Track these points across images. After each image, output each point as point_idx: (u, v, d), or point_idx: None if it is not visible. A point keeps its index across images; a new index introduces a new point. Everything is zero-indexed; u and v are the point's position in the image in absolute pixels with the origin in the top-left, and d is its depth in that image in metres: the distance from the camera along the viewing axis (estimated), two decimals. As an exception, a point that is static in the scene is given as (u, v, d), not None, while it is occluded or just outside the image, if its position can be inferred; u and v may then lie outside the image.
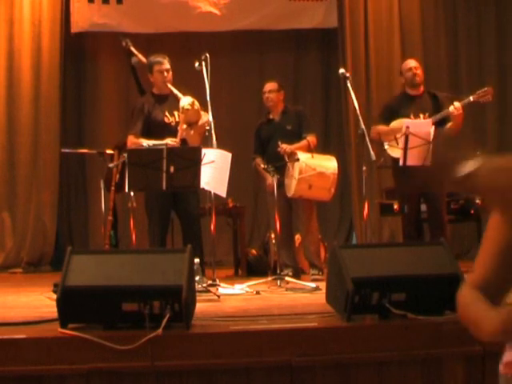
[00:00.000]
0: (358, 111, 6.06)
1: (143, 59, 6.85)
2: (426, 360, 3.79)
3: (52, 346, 3.66)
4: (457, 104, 6.07)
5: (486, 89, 6.21)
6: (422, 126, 6.05)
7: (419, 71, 6.42)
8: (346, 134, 8.65)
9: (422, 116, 6.23)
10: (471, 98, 6.15)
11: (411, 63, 6.50)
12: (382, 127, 6.34)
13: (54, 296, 3.96)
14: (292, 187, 6.20)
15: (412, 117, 6.22)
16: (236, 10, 8.58)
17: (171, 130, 5.99)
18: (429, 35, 8.81)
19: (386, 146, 6.16)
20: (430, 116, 6.19)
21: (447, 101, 6.27)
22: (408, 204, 6.25)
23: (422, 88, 6.43)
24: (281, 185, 6.31)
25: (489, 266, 1.65)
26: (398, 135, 6.02)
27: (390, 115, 6.31)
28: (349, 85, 6.29)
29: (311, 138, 6.53)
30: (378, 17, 8.68)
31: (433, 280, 3.96)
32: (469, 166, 1.61)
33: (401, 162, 6.04)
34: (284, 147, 6.34)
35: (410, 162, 5.97)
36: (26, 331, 3.81)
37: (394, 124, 6.21)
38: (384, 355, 3.77)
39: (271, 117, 6.73)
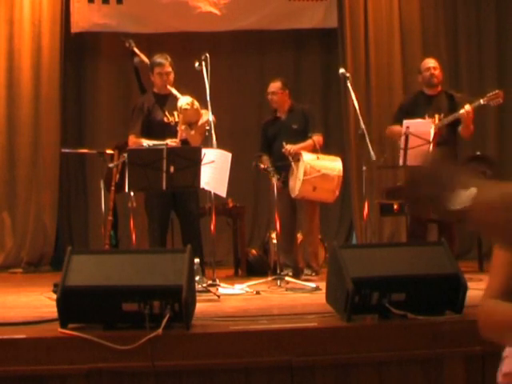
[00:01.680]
0: (358, 111, 6.06)
1: (146, 60, 6.85)
2: (425, 360, 3.79)
3: (52, 346, 3.66)
4: (467, 107, 6.05)
5: (496, 91, 6.17)
6: (422, 125, 6.05)
7: (437, 71, 6.39)
8: (346, 134, 8.65)
9: (437, 116, 6.17)
10: (481, 101, 6.11)
11: (430, 63, 6.45)
12: (395, 127, 6.33)
13: (54, 296, 3.96)
14: (296, 188, 6.19)
15: (427, 117, 6.20)
16: (236, 10, 8.57)
17: (171, 130, 5.99)
18: (429, 35, 8.80)
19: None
20: (445, 116, 6.16)
21: (463, 102, 6.24)
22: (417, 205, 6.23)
23: (439, 87, 6.41)
24: (285, 185, 6.31)
25: (502, 277, 1.68)
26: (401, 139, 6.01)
27: (404, 116, 6.27)
28: (349, 85, 6.29)
29: (317, 138, 6.49)
30: (378, 17, 8.68)
31: (433, 280, 3.96)
32: (460, 200, 1.37)
33: (401, 162, 6.04)
34: (288, 148, 6.32)
35: (410, 162, 5.98)
36: (26, 331, 3.81)
37: None
38: (384, 355, 3.77)
39: (278, 115, 6.70)
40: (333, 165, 6.27)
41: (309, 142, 6.44)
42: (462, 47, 8.87)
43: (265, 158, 6.61)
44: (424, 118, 6.18)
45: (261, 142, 6.78)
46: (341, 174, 6.26)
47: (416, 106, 6.32)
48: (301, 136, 6.46)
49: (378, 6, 8.68)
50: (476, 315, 1.72)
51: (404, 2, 8.74)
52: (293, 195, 6.28)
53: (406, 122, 6.03)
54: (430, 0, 8.84)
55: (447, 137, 6.17)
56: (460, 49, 8.88)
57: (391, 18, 8.71)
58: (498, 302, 1.67)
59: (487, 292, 1.73)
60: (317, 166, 6.17)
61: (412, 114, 6.21)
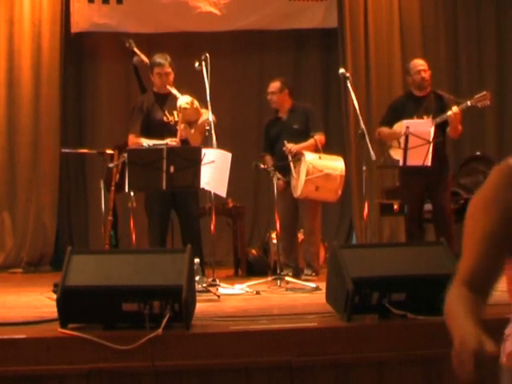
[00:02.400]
0: (358, 111, 6.06)
1: (145, 59, 6.84)
2: (426, 360, 3.79)
3: (52, 346, 3.66)
4: (455, 109, 6.05)
5: (484, 93, 6.16)
6: (421, 125, 6.04)
7: (427, 74, 6.36)
8: (346, 133, 8.65)
9: (425, 118, 6.18)
10: (469, 103, 6.09)
11: (420, 65, 6.38)
12: (384, 130, 6.33)
13: (54, 296, 3.96)
14: (299, 188, 6.18)
15: (415, 118, 6.19)
16: (236, 10, 8.57)
17: (171, 130, 5.98)
18: (429, 35, 8.80)
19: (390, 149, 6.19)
20: (433, 118, 6.15)
21: (452, 103, 6.23)
22: (411, 203, 6.26)
23: (428, 88, 6.39)
24: (288, 184, 6.30)
25: (477, 255, 1.64)
26: (400, 139, 6.01)
27: (393, 117, 6.27)
28: (349, 85, 6.28)
29: (319, 137, 6.47)
30: (378, 17, 8.68)
31: (433, 280, 3.96)
32: None
33: (401, 162, 6.04)
34: (289, 147, 6.31)
35: (410, 162, 5.98)
36: (26, 331, 3.81)
37: (397, 127, 6.18)
38: (384, 355, 3.77)
39: (279, 115, 6.69)
40: (335, 164, 6.26)
41: (311, 141, 6.43)
42: (462, 47, 8.87)
43: (268, 158, 6.61)
44: (413, 119, 6.18)
45: (263, 142, 6.78)
46: (343, 173, 6.25)
47: (405, 108, 6.30)
48: (302, 136, 6.45)
49: (378, 5, 8.69)
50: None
51: (404, 2, 8.75)
52: (295, 195, 6.27)
53: (405, 122, 6.03)
54: (429, 0, 8.85)
55: (437, 138, 6.14)
56: (460, 49, 8.88)
57: (391, 18, 8.71)
58: (460, 297, 1.61)
59: (459, 272, 1.66)
60: (319, 166, 6.16)
61: (401, 116, 6.20)
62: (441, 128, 6.17)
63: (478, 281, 1.62)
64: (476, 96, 6.15)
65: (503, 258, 1.64)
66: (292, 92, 6.76)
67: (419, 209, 6.35)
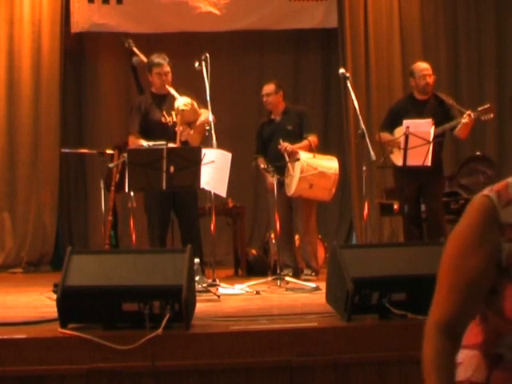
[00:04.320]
0: (358, 111, 6.06)
1: (144, 59, 6.85)
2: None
3: (52, 346, 3.67)
4: (466, 118, 5.99)
5: (487, 106, 6.14)
6: (422, 126, 6.03)
7: (432, 79, 6.34)
8: (346, 134, 8.65)
9: None
10: (472, 115, 6.06)
11: (425, 70, 6.34)
12: (385, 136, 6.30)
13: (54, 296, 3.97)
14: (293, 186, 6.20)
15: None
16: (236, 10, 8.57)
17: (169, 130, 5.98)
18: (429, 35, 8.80)
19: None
20: (436, 122, 6.09)
21: (454, 108, 6.23)
22: (408, 204, 6.26)
23: (431, 93, 6.37)
24: (281, 185, 6.31)
25: (460, 301, 1.59)
26: (400, 139, 5.99)
27: (394, 121, 6.25)
28: (349, 85, 6.28)
29: (312, 138, 6.52)
30: (378, 17, 8.68)
31: (433, 280, 3.93)
32: None
33: (401, 163, 6.03)
34: (285, 145, 6.34)
35: (410, 163, 5.97)
36: (26, 331, 3.82)
37: (398, 134, 6.15)
38: (384, 355, 3.77)
39: (273, 117, 6.73)
40: (329, 163, 6.29)
41: (304, 142, 6.47)
42: (462, 48, 8.87)
43: (261, 159, 6.64)
44: None
45: (256, 145, 6.81)
46: (337, 172, 6.27)
47: (406, 112, 6.27)
48: (295, 137, 6.49)
49: (378, 5, 8.69)
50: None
51: (404, 2, 8.75)
52: (289, 194, 6.28)
53: (405, 122, 6.02)
54: (429, 0, 8.85)
55: (436, 138, 6.11)
56: (460, 49, 8.88)
57: (391, 18, 8.71)
58: (439, 358, 1.55)
59: (438, 316, 1.60)
60: (314, 164, 6.19)
61: (402, 119, 6.16)
62: (442, 135, 6.18)
63: (459, 327, 1.59)
64: (479, 108, 6.15)
65: (481, 302, 1.60)
66: (285, 94, 6.81)
67: (416, 209, 6.37)
